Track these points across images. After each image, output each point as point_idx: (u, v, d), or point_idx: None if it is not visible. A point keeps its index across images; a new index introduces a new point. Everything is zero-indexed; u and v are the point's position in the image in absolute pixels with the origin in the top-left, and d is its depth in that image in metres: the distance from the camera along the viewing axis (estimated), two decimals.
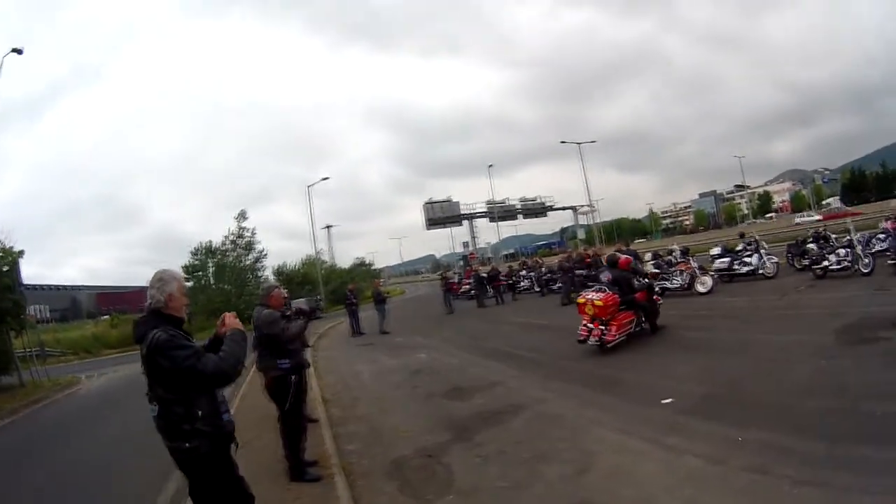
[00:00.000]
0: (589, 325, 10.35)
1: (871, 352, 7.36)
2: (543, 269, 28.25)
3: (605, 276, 11.17)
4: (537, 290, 26.81)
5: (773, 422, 5.35)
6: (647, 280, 11.88)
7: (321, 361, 14.65)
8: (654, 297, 11.69)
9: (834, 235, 16.79)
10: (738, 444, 4.99)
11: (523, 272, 29.86)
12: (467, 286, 31.16)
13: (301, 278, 44.79)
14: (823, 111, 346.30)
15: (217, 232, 39.38)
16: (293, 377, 5.60)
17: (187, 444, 3.02)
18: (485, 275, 27.53)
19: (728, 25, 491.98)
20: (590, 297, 10.65)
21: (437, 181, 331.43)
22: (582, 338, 10.40)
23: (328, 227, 65.99)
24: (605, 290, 10.72)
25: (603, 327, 10.20)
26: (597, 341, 10.18)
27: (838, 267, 14.34)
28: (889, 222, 16.26)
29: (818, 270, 14.84)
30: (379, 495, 5.13)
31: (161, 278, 3.23)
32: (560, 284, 22.83)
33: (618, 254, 12.19)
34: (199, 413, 3.04)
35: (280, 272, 44.45)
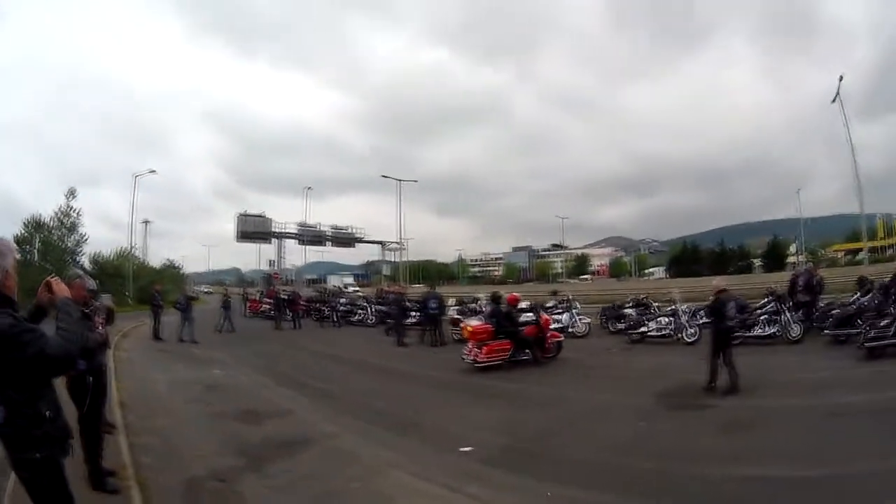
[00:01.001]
0: (473, 348, 12.07)
1: (693, 417, 7.64)
2: (343, 299, 28.10)
3: (487, 309, 12.86)
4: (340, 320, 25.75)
5: (586, 479, 5.29)
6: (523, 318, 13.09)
7: (121, 363, 13.36)
8: (550, 334, 12.97)
9: (655, 304, 17.46)
10: (548, 500, 4.86)
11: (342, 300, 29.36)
12: (267, 305, 30.49)
13: (114, 271, 41.48)
14: (663, 185, 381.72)
15: (48, 207, 35.94)
16: (90, 378, 5.12)
17: (38, 455, 2.52)
18: (285, 297, 26.79)
19: (584, 90, 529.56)
20: (471, 323, 13.00)
21: (258, 194, 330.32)
22: (464, 356, 12.16)
23: (146, 222, 61.69)
24: (482, 320, 12.74)
25: (478, 350, 11.93)
26: (472, 360, 11.90)
27: (658, 334, 14.75)
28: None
29: (635, 335, 15.20)
30: None
31: None
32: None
33: (500, 292, 14.28)
34: (47, 414, 2.56)
35: (96, 261, 41.15)
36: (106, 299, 7.07)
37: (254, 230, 69.69)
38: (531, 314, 13.77)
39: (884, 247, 79.12)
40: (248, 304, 33.32)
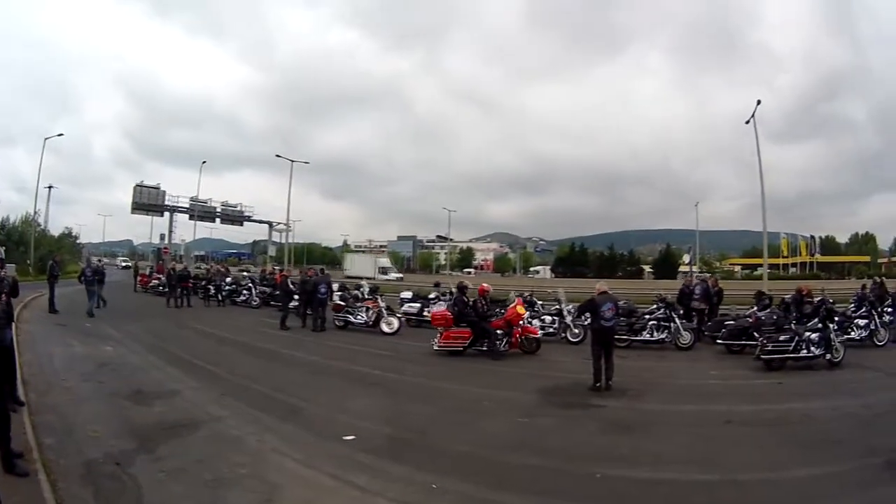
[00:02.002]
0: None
1: (577, 416, 7.79)
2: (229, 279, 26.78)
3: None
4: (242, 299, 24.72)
5: (471, 473, 5.34)
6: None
7: (21, 335, 12.74)
8: (523, 329, 12.68)
9: (540, 302, 16.96)
10: (434, 492, 4.91)
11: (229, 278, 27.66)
12: (156, 281, 29.40)
13: (18, 238, 39.25)
14: (557, 186, 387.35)
15: None
16: None
17: None
18: (183, 274, 25.13)
19: (488, 85, 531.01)
20: (434, 309, 14.36)
21: (158, 165, 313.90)
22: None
23: (50, 187, 58.68)
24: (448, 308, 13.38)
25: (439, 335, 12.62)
26: (433, 344, 12.52)
27: (542, 332, 14.14)
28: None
29: None
30: (78, 503, 4.65)
31: None
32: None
33: (466, 281, 14.71)
34: None
35: (2, 226, 39.19)
36: (10, 270, 6.78)
37: (148, 202, 67.38)
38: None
39: (786, 265, 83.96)
40: (139, 279, 31.91)
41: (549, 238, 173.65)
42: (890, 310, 15.29)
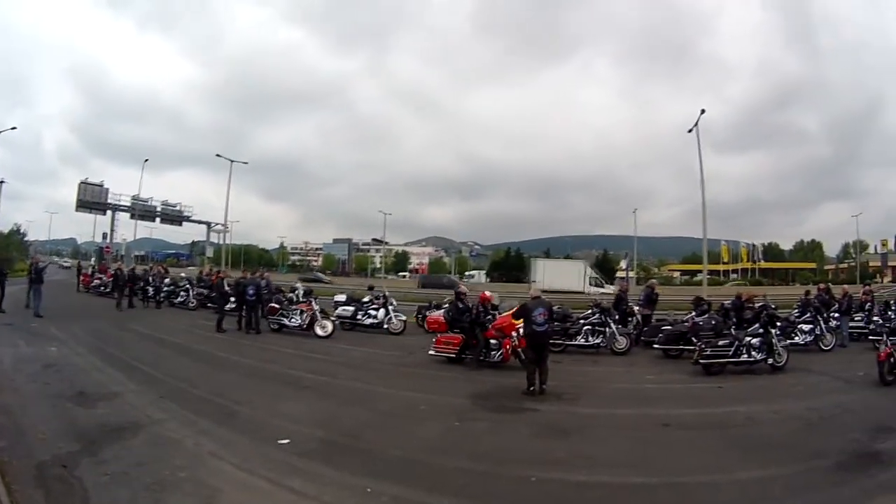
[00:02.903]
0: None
1: (511, 420, 7.89)
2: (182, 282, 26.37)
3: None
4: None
5: (405, 476, 5.40)
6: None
7: None
8: (509, 339, 11.48)
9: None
10: (369, 496, 4.95)
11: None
12: (98, 281, 29.36)
13: None
14: (495, 191, 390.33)
15: None
16: None
17: None
18: (130, 275, 24.80)
19: (431, 88, 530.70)
20: (430, 314, 14.80)
21: (104, 162, 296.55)
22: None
23: (1, 182, 57.25)
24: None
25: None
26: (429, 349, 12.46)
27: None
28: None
29: None
30: None
31: None
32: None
33: (462, 287, 14.70)
34: None
35: None
36: None
37: (92, 199, 65.57)
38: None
39: (727, 271, 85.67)
40: (81, 279, 31.55)
41: (484, 243, 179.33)
42: (836, 315, 15.80)
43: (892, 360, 10.15)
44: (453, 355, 12.07)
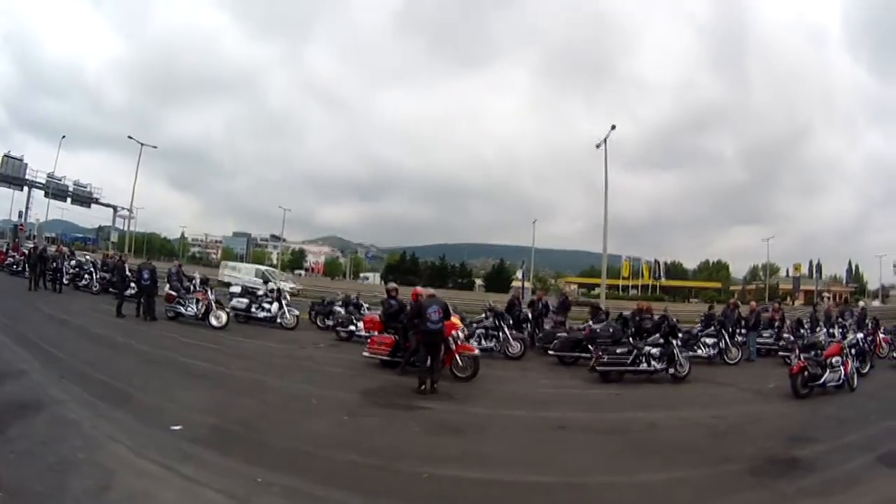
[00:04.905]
0: None
1: (401, 416, 8.05)
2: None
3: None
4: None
5: (296, 468, 5.48)
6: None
7: None
8: (459, 346, 10.88)
9: (366, 305, 18.31)
10: (259, 486, 5.00)
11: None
12: (11, 259, 29.07)
13: None
14: (393, 194, 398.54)
15: None
16: None
17: None
18: (48, 255, 24.24)
19: (342, 85, 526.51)
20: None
21: (25, 136, 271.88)
22: None
23: None
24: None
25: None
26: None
27: (367, 334, 13.88)
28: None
29: (343, 333, 15.78)
30: None
31: None
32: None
33: (394, 284, 13.92)
34: None
35: None
36: None
37: (12, 174, 63.60)
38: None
39: (626, 286, 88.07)
40: None
41: (381, 245, 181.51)
42: (743, 331, 16.44)
43: (805, 373, 10.44)
44: (386, 357, 11.53)
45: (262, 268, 51.25)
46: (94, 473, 5.02)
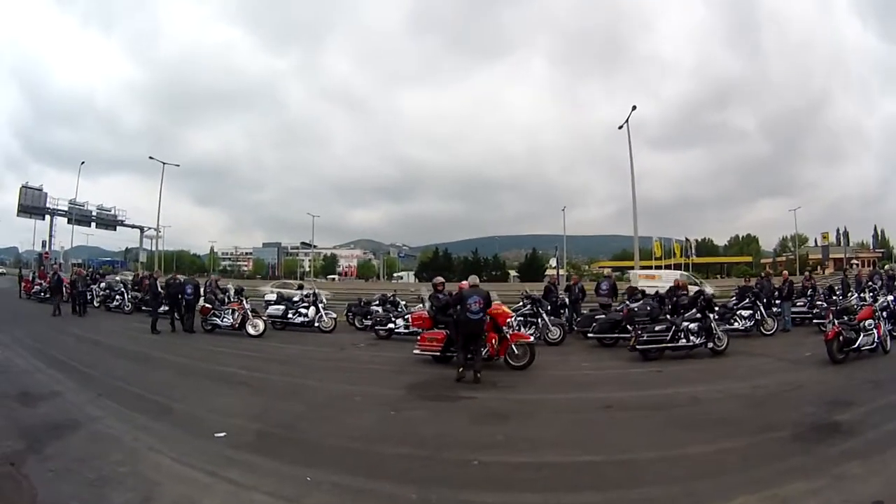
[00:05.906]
0: None
1: (447, 407, 8.03)
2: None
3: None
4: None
5: (344, 465, 5.44)
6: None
7: None
8: (512, 335, 10.95)
9: (403, 302, 18.44)
10: (309, 484, 4.95)
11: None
12: (38, 286, 29.43)
13: None
14: (423, 192, 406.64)
15: None
16: None
17: None
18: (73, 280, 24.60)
19: (360, 88, 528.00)
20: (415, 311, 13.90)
21: (41, 166, 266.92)
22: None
23: None
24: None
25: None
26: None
27: (406, 331, 14.70)
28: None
29: (382, 331, 15.60)
30: None
31: None
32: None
33: (439, 278, 13.44)
34: None
35: None
36: None
37: (32, 204, 63.63)
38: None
39: (659, 266, 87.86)
40: (23, 286, 31.89)
41: (412, 244, 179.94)
42: (778, 301, 16.21)
43: (840, 338, 10.38)
44: (438, 353, 11.20)
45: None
46: (136, 486, 4.96)
